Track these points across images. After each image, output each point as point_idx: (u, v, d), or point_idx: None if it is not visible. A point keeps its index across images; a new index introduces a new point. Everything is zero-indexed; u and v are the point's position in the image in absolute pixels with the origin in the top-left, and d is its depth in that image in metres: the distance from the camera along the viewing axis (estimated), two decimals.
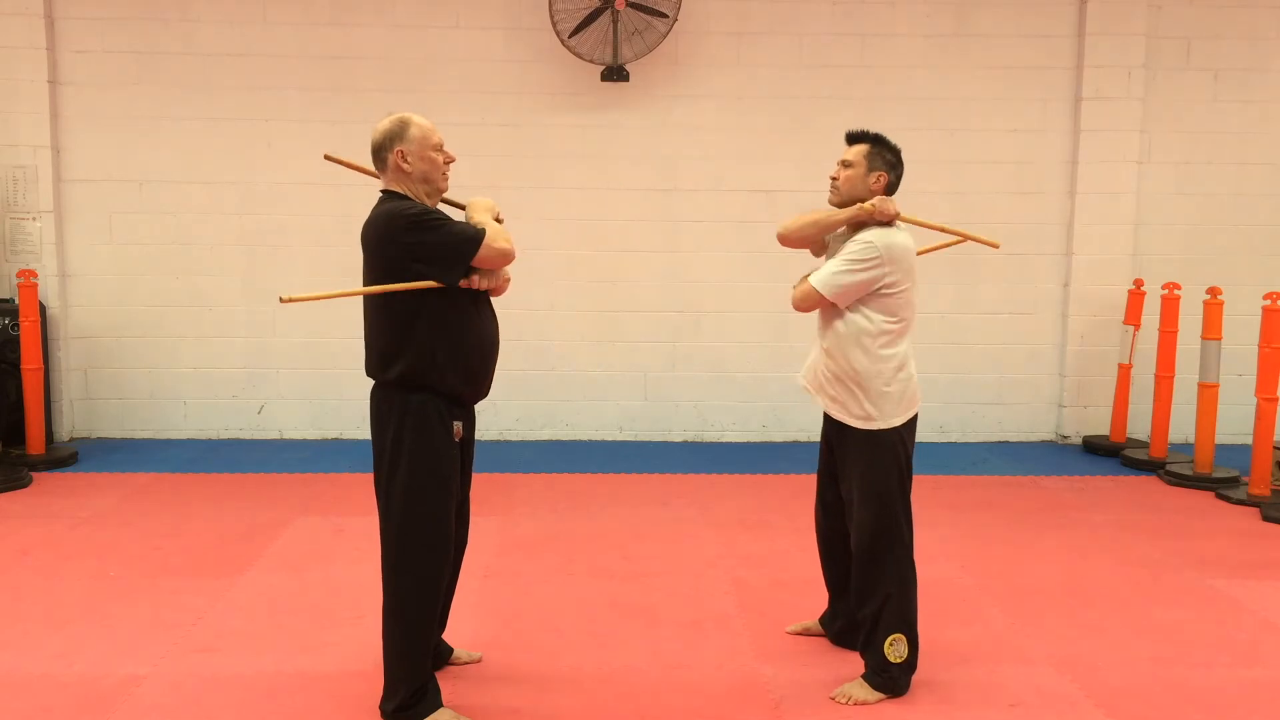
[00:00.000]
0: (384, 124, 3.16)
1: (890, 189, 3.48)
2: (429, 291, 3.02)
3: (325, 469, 6.31)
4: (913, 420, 3.47)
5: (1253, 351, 5.87)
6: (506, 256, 3.11)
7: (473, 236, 3.06)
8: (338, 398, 7.05)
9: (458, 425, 3.15)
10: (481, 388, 3.23)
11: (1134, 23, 6.95)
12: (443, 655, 3.53)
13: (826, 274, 3.38)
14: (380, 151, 3.15)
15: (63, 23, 6.76)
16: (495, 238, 3.08)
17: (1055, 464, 6.70)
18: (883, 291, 3.35)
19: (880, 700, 3.36)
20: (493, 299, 3.28)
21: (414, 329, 3.05)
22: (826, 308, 3.44)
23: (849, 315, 3.39)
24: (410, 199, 3.14)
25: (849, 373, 3.40)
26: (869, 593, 3.40)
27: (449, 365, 3.09)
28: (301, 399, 7.12)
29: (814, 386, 3.55)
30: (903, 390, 3.41)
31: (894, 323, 3.38)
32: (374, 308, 3.12)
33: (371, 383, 3.20)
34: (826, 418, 3.59)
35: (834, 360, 3.44)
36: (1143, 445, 6.85)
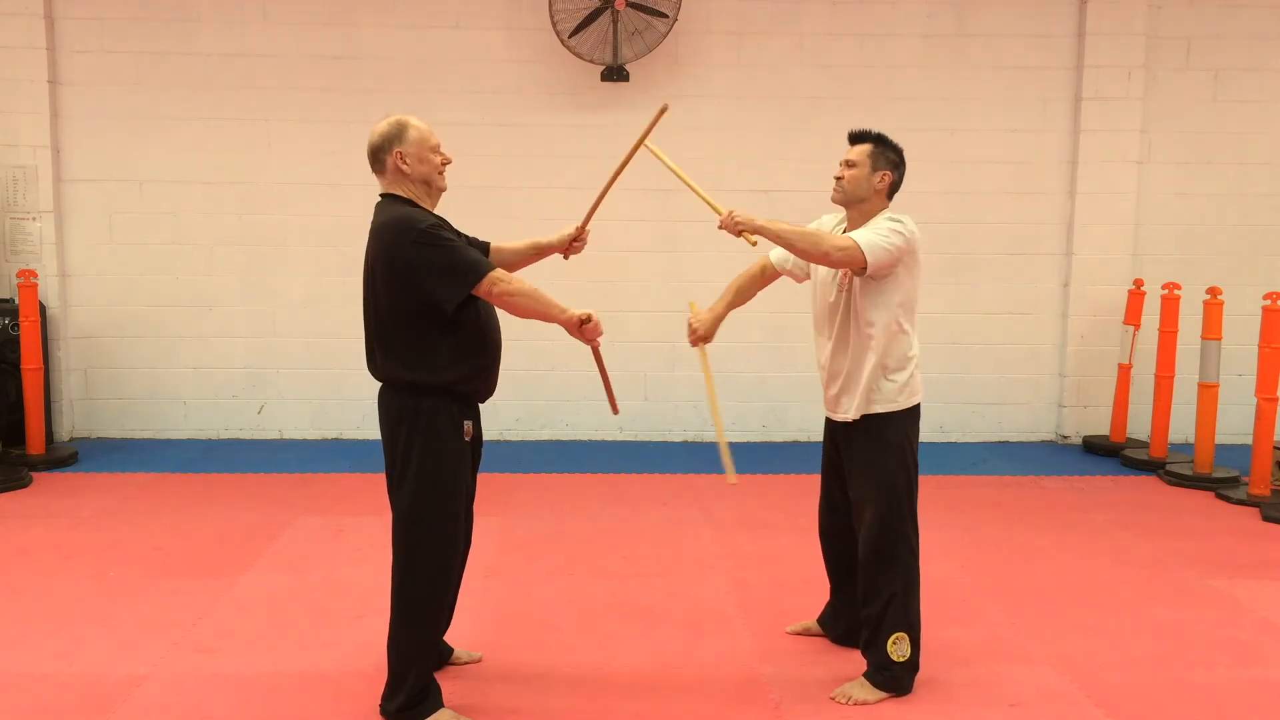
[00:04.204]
0: (381, 126, 3.15)
1: (894, 188, 3.49)
2: (441, 298, 3.01)
3: (325, 469, 6.30)
4: (918, 421, 3.48)
5: (1253, 351, 5.87)
6: (510, 304, 3.06)
7: (474, 268, 3.01)
8: (338, 398, 7.05)
9: (468, 424, 3.16)
10: (492, 386, 3.26)
11: (1134, 23, 6.95)
12: (443, 655, 3.52)
13: None
14: (378, 154, 3.13)
15: (63, 23, 6.76)
16: (499, 280, 3.01)
17: (1055, 464, 6.69)
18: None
19: (881, 699, 3.36)
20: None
21: (431, 335, 3.05)
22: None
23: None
24: (417, 205, 3.13)
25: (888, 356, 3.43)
26: (873, 592, 3.40)
27: (464, 368, 3.10)
28: (301, 399, 7.11)
29: (850, 393, 3.48)
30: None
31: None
32: (386, 313, 3.08)
33: (375, 383, 3.19)
34: (830, 421, 3.59)
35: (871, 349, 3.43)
36: (1143, 445, 6.85)
